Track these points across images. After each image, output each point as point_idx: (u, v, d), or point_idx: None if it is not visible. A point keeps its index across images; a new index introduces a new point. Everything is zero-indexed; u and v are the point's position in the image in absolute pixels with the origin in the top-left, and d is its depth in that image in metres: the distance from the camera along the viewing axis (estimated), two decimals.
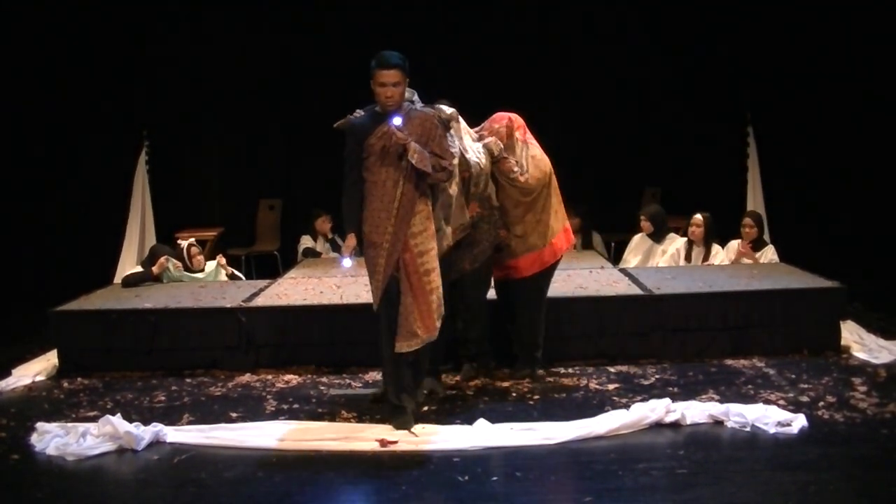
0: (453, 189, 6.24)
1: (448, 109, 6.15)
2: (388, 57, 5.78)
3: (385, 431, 5.76)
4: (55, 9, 10.94)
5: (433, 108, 6.11)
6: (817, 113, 11.22)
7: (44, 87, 11.04)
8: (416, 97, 6.07)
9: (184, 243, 9.17)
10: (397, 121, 5.79)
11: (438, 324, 5.85)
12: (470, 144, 6.48)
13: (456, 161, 6.20)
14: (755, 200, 10.99)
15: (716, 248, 9.39)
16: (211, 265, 9.19)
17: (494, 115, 6.87)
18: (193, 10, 11.52)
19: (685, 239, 9.55)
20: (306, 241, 10.97)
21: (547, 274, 7.01)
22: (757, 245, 9.30)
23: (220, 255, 9.57)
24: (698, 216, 9.35)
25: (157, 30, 11.42)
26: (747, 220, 9.38)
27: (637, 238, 9.89)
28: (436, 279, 5.87)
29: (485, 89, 10.37)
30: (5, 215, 10.93)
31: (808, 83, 11.23)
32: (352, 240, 5.90)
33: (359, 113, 5.97)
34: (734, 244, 9.36)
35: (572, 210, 10.74)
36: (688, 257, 9.39)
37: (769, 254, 9.26)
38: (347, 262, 5.99)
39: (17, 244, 10.97)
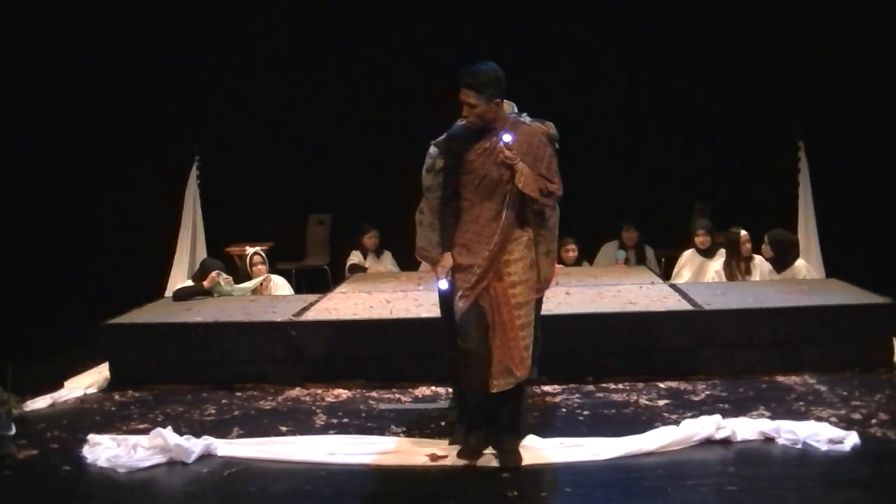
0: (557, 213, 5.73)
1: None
2: (464, 74, 5.25)
3: (434, 446, 5.75)
4: (106, 25, 11.08)
5: (542, 123, 5.56)
6: (870, 126, 11.10)
7: (98, 103, 11.16)
8: (515, 108, 5.57)
9: (250, 250, 9.20)
10: (507, 138, 5.22)
11: (529, 361, 5.40)
12: None
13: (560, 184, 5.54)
14: (806, 215, 10.86)
15: (756, 258, 9.30)
16: (257, 280, 9.17)
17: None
18: (241, 25, 11.61)
19: (722, 259, 9.44)
20: (354, 257, 11.02)
21: None
22: (783, 263, 9.17)
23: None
24: (744, 232, 9.25)
25: (206, 46, 11.53)
26: (765, 239, 9.28)
27: (688, 254, 9.83)
28: (528, 314, 5.39)
29: (528, 104, 10.36)
30: (59, 229, 11.06)
31: (860, 96, 11.12)
32: (447, 260, 5.41)
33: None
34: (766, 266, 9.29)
35: (631, 224, 10.78)
36: (731, 275, 9.29)
37: (794, 272, 9.14)
38: (444, 284, 5.53)
39: (70, 258, 11.10)
